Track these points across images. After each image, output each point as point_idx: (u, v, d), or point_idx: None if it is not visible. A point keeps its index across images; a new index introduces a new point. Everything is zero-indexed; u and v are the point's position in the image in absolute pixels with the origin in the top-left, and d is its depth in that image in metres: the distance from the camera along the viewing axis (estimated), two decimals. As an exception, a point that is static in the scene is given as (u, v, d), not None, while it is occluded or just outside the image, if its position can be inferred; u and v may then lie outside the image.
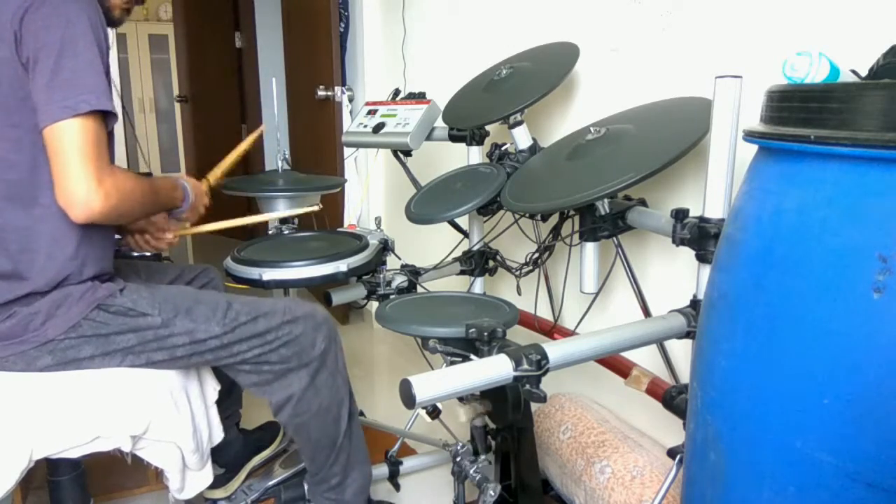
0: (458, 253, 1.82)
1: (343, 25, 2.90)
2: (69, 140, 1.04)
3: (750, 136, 0.76)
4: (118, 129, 3.40)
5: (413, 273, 1.68)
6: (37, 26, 1.05)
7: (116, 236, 1.36)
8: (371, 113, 1.97)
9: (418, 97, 1.90)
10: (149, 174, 2.23)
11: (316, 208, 1.66)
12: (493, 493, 1.24)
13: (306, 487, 1.48)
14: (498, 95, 1.67)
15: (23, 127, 1.09)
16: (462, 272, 1.79)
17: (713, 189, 1.05)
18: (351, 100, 2.93)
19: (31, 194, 1.12)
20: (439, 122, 1.84)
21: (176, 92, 5.78)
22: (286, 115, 3.50)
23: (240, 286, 1.47)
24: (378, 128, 1.87)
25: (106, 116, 1.10)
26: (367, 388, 2.44)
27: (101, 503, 1.65)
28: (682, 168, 1.39)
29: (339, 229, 1.82)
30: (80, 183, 1.04)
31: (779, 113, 0.73)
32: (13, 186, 1.11)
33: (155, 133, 6.75)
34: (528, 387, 0.93)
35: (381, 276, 1.62)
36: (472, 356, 1.06)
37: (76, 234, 1.15)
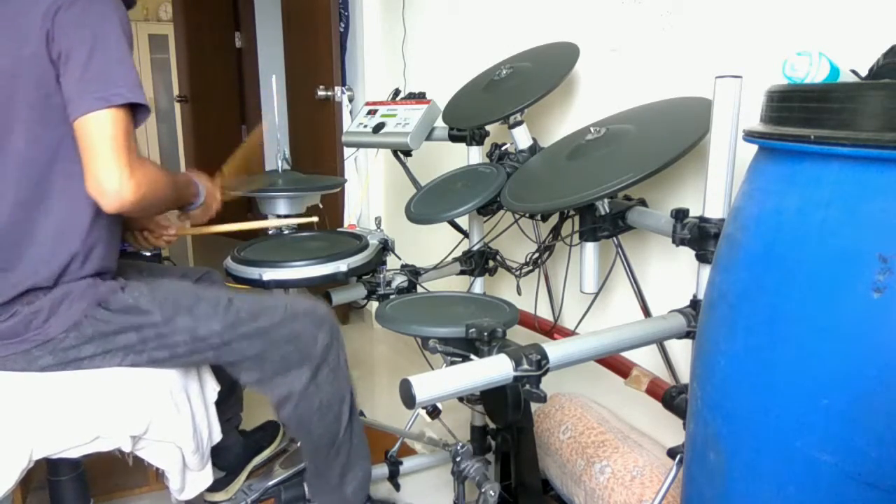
0: (458, 253, 1.82)
1: (343, 25, 2.90)
2: (102, 131, 1.05)
3: (750, 136, 0.76)
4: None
5: (413, 273, 1.68)
6: (69, 23, 1.06)
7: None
8: (371, 113, 1.97)
9: (418, 97, 1.90)
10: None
11: (314, 219, 1.65)
12: (493, 493, 1.24)
13: (307, 488, 1.48)
14: (498, 95, 1.67)
15: (44, 123, 1.10)
16: (462, 272, 1.79)
17: (713, 189, 1.05)
18: (351, 100, 2.93)
19: (43, 190, 1.13)
20: (439, 122, 1.84)
21: (176, 92, 5.78)
22: (286, 115, 3.50)
23: (240, 286, 1.47)
24: (378, 128, 1.87)
25: (136, 111, 1.11)
26: (367, 388, 2.44)
27: (101, 503, 1.65)
28: (682, 168, 1.39)
29: (339, 229, 1.82)
30: (113, 173, 1.05)
31: (779, 113, 0.73)
32: (26, 181, 1.12)
33: (155, 133, 6.76)
34: (528, 387, 0.93)
35: (381, 276, 1.62)
36: (472, 356, 1.06)
37: (82, 231, 1.15)
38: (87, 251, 1.17)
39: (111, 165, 1.05)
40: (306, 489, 1.50)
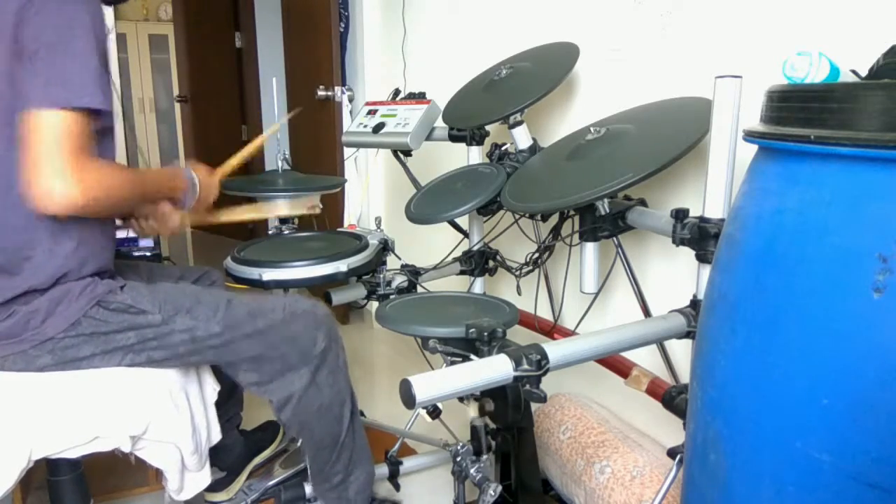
0: (458, 253, 1.82)
1: (343, 25, 2.90)
2: (54, 130, 1.02)
3: (750, 136, 0.76)
4: (117, 129, 3.40)
5: (413, 273, 1.68)
6: (38, 22, 1.04)
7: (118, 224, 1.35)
8: (371, 113, 1.97)
9: (418, 97, 1.90)
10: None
11: (317, 210, 1.65)
12: (493, 493, 1.24)
13: (308, 487, 1.48)
14: (498, 95, 1.66)
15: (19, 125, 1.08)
16: (462, 272, 1.79)
17: (713, 189, 1.05)
18: (351, 100, 2.93)
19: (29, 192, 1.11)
20: (439, 122, 1.84)
21: (176, 92, 5.78)
22: (286, 115, 3.50)
23: (240, 286, 1.47)
24: (378, 128, 1.87)
25: (95, 114, 1.07)
26: (367, 388, 2.44)
27: (101, 503, 1.65)
28: (682, 168, 1.39)
29: (339, 229, 1.82)
30: (57, 174, 1.01)
31: (779, 113, 0.73)
32: (10, 184, 1.10)
33: (155, 133, 6.75)
34: (528, 387, 0.93)
35: (381, 276, 1.62)
36: (472, 356, 1.06)
37: (76, 231, 1.14)
38: (84, 252, 1.16)
39: (55, 167, 1.01)
40: (307, 490, 1.50)
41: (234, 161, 1.54)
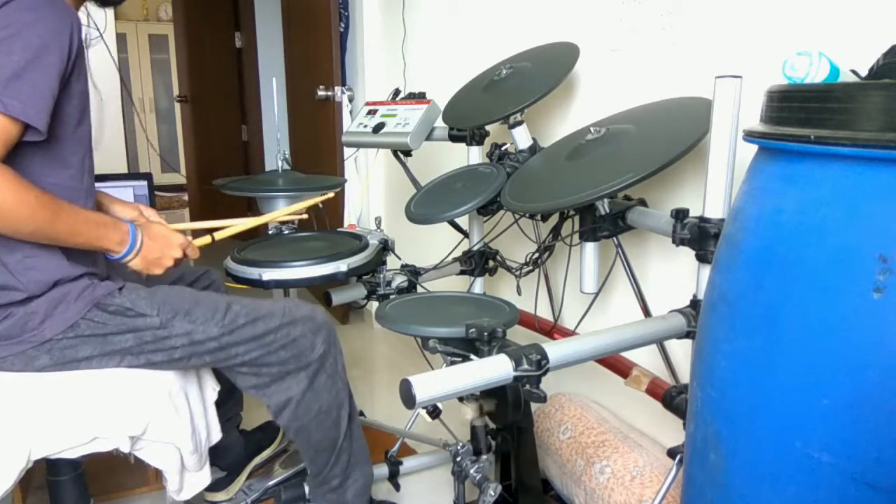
0: (458, 253, 1.82)
1: (343, 25, 2.90)
2: None
3: (750, 136, 0.76)
4: (117, 129, 3.40)
5: (413, 273, 1.68)
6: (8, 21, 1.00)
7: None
8: (371, 113, 1.97)
9: (418, 97, 1.90)
10: (148, 175, 2.22)
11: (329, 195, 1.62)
12: (493, 493, 1.24)
13: (307, 489, 1.48)
14: (498, 95, 1.67)
15: None
16: (462, 272, 1.79)
17: (713, 189, 1.05)
18: (351, 100, 2.93)
19: None
20: (439, 122, 1.84)
21: (176, 92, 5.78)
22: (286, 115, 3.50)
23: (239, 286, 1.47)
24: (378, 128, 1.87)
25: (23, 128, 1.02)
26: (367, 388, 2.44)
27: (101, 503, 1.65)
28: (682, 168, 1.39)
29: (339, 229, 1.83)
30: None
31: (779, 113, 0.73)
32: None
33: (155, 133, 6.76)
34: (528, 387, 0.93)
35: (381, 276, 1.62)
36: (472, 356, 1.06)
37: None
38: (74, 256, 1.14)
39: None
40: (307, 491, 1.50)
41: (205, 225, 1.47)
